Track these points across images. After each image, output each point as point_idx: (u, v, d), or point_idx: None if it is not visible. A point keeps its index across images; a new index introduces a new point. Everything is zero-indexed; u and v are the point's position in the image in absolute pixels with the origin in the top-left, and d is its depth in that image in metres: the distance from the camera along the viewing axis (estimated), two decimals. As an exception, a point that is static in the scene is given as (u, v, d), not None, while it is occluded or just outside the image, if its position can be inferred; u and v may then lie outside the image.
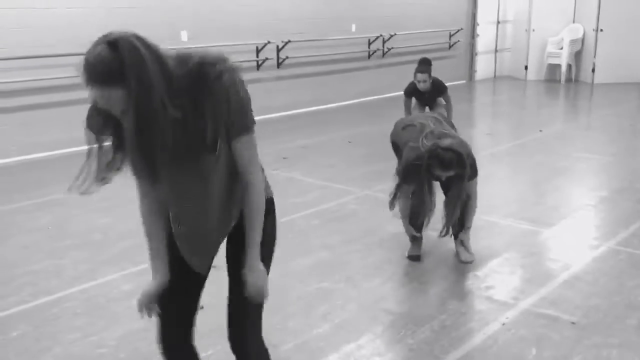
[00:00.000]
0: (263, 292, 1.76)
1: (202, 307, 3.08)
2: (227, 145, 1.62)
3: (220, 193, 1.72)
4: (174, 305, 1.89)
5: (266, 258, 1.84)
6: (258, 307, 1.88)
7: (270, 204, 1.84)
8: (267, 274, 1.84)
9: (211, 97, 1.52)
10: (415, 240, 3.84)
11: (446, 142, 3.26)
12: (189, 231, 1.79)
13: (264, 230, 1.79)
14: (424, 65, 6.06)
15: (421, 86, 6.00)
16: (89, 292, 3.44)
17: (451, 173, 3.29)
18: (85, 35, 6.45)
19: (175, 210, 1.79)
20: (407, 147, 3.48)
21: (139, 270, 3.55)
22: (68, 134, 6.75)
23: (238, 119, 1.58)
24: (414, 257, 3.80)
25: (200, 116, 1.54)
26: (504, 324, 3.03)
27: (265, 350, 1.95)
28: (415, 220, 3.68)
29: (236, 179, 1.72)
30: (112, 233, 4.30)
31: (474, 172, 3.47)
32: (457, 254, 3.83)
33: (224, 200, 1.74)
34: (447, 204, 3.49)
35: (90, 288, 3.49)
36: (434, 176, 3.38)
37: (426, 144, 3.30)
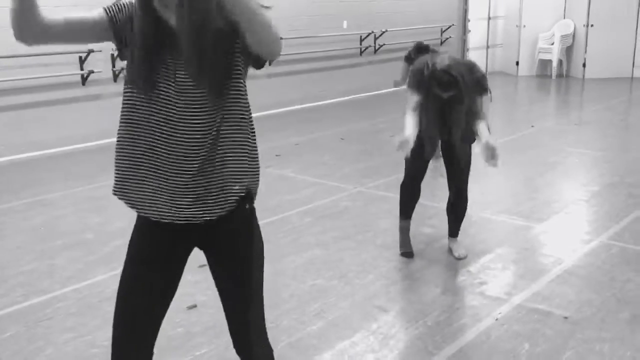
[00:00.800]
0: None
1: (195, 306, 3.06)
2: (243, 93, 1.63)
3: (210, 145, 1.62)
4: (137, 317, 1.77)
5: (257, 270, 1.79)
6: (259, 312, 1.83)
7: (252, 214, 1.77)
8: (262, 286, 1.81)
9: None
10: (404, 234, 3.85)
11: (444, 63, 3.27)
12: (159, 168, 1.66)
13: (253, 243, 1.76)
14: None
15: None
16: (81, 292, 3.42)
17: (451, 93, 3.28)
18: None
19: (152, 141, 1.65)
20: (416, 63, 3.55)
21: (131, 270, 3.53)
22: (58, 133, 6.72)
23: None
24: (407, 254, 3.80)
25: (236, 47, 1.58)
26: (497, 320, 3.04)
27: (271, 350, 1.90)
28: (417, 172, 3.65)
29: (234, 149, 1.64)
30: (103, 232, 4.28)
31: (481, 88, 3.44)
32: (450, 250, 3.84)
33: (212, 156, 1.63)
34: (453, 124, 3.41)
35: (83, 288, 3.47)
36: (438, 96, 3.34)
37: (429, 65, 3.33)
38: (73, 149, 6.78)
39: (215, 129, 1.62)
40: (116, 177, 1.75)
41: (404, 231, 3.87)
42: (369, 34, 10.30)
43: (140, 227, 1.78)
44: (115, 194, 1.75)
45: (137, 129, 1.66)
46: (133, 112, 1.66)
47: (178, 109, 1.61)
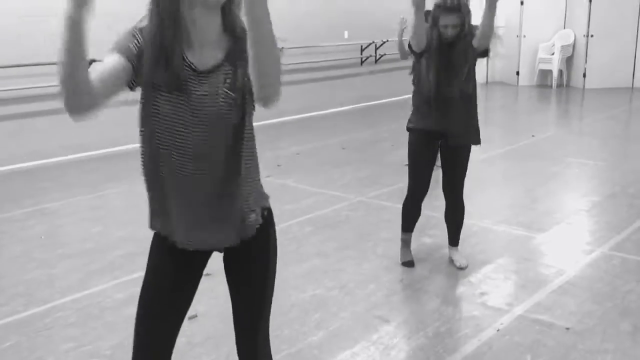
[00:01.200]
0: None
1: (195, 316, 3.05)
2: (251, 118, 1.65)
3: (231, 161, 1.64)
4: (158, 323, 1.79)
5: (272, 275, 1.83)
6: (267, 319, 1.86)
7: (270, 215, 1.81)
8: (273, 290, 1.84)
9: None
10: (406, 245, 3.85)
11: None
12: (186, 191, 1.65)
13: (270, 257, 1.80)
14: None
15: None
16: (81, 301, 3.42)
17: (455, 19, 3.36)
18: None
19: (175, 162, 1.62)
20: None
21: (131, 279, 3.53)
22: (59, 143, 6.74)
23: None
24: (408, 263, 3.80)
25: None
26: (498, 330, 3.03)
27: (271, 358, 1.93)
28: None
29: (250, 163, 1.67)
30: (103, 242, 4.28)
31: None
32: (451, 260, 3.83)
33: (231, 171, 1.65)
34: (455, 72, 3.45)
35: (83, 297, 3.46)
36: (442, 35, 3.40)
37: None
38: (74, 158, 6.80)
39: (231, 150, 1.63)
40: (150, 210, 1.79)
41: (406, 243, 3.87)
42: (370, 44, 10.34)
43: (160, 244, 1.81)
44: (151, 229, 1.79)
45: (158, 158, 1.65)
46: (153, 141, 1.63)
47: (194, 131, 1.60)
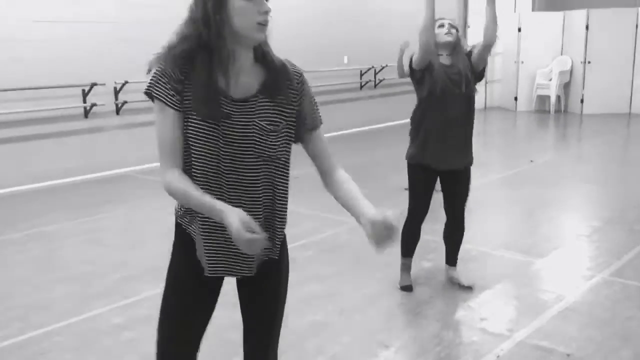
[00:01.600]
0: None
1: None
2: (289, 148, 1.77)
3: (267, 193, 1.73)
4: (189, 324, 1.83)
5: (284, 299, 1.90)
6: (276, 340, 1.91)
7: (284, 237, 1.87)
8: (283, 311, 1.90)
9: (302, 94, 1.76)
10: (406, 270, 3.84)
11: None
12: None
13: (283, 264, 1.86)
14: None
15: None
16: (78, 325, 3.39)
17: (451, 39, 3.48)
18: (77, 68, 6.44)
19: (224, 193, 1.69)
20: None
21: (129, 303, 3.50)
22: (59, 165, 6.75)
23: (317, 114, 1.82)
24: (407, 288, 3.78)
25: (287, 104, 1.71)
26: (498, 356, 3.00)
27: None
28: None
29: (280, 192, 1.75)
30: (101, 265, 4.26)
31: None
32: (451, 280, 3.81)
33: (269, 202, 1.74)
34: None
35: (80, 322, 3.43)
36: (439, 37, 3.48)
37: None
38: (74, 181, 6.80)
39: (263, 181, 1.71)
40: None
41: (405, 267, 3.86)
42: (369, 69, 10.42)
43: (183, 264, 1.81)
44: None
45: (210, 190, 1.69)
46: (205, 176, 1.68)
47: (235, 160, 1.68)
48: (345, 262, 4.31)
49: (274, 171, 1.72)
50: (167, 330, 1.82)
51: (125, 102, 7.11)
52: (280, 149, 1.71)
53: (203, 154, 1.65)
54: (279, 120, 1.70)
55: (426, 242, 4.32)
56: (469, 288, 3.75)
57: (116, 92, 7.05)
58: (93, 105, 6.86)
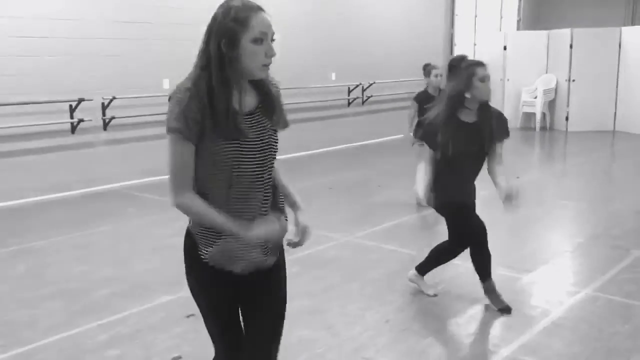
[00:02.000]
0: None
1: (180, 357, 3.02)
2: None
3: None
4: (238, 330, 2.13)
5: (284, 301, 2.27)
6: (277, 346, 2.17)
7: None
8: (284, 318, 2.27)
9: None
10: (493, 293, 3.79)
11: None
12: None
13: (282, 273, 2.32)
14: (433, 65, 6.68)
15: (437, 80, 6.50)
16: (63, 342, 3.35)
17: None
18: (64, 84, 6.44)
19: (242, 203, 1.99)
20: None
21: (115, 320, 3.47)
22: (46, 181, 6.71)
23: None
24: (505, 310, 3.69)
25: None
26: (485, 372, 3.01)
27: None
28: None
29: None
30: (87, 281, 4.22)
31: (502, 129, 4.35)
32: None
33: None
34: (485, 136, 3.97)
35: (66, 338, 3.40)
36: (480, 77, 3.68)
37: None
38: (61, 196, 6.76)
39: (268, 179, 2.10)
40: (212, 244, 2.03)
41: (491, 291, 3.77)
42: (357, 86, 10.50)
43: (209, 280, 2.04)
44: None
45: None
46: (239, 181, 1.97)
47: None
48: (333, 277, 4.31)
49: (272, 169, 2.10)
50: (229, 342, 2.12)
51: (113, 117, 7.09)
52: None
53: (221, 169, 1.88)
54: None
55: (412, 259, 4.34)
56: (435, 295, 3.85)
57: (104, 108, 7.04)
58: (80, 120, 6.85)
